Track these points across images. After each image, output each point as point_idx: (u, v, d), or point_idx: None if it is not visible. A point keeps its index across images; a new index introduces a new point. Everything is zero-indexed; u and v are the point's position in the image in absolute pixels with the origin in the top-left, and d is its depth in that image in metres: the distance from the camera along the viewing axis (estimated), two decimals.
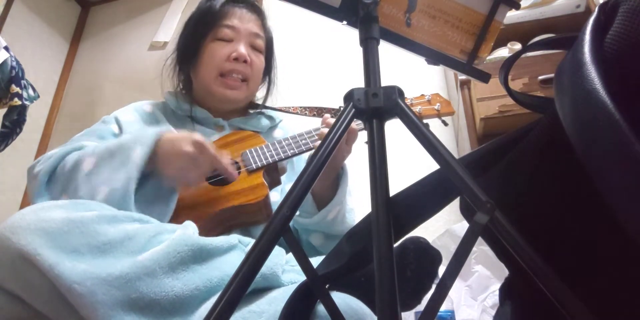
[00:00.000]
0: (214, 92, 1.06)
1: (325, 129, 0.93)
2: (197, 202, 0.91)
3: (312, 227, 0.97)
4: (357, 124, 0.95)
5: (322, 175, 0.94)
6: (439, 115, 1.03)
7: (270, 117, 1.16)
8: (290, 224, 1.00)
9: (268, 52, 1.16)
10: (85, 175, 0.82)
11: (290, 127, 1.19)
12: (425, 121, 1.03)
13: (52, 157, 0.89)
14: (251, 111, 1.17)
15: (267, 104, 1.19)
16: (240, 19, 1.08)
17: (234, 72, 1.05)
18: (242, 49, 1.06)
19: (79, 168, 0.84)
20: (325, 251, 0.98)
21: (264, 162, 0.95)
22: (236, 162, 0.96)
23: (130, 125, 1.02)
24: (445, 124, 1.04)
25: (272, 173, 1.00)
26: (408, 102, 1.05)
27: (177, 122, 1.09)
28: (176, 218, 0.87)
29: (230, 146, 1.00)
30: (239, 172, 0.95)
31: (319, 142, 0.92)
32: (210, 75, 1.05)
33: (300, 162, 1.12)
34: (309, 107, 1.13)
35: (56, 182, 0.86)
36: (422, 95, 1.06)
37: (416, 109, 1.03)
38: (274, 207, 0.96)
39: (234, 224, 0.94)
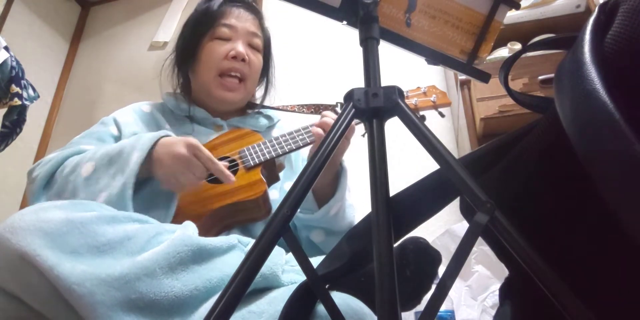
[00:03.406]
0: (212, 93, 1.06)
1: (315, 128, 0.92)
2: (195, 200, 0.91)
3: (314, 224, 0.97)
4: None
5: (322, 172, 0.96)
6: (435, 106, 1.03)
7: (268, 117, 1.17)
8: (292, 221, 1.02)
9: (266, 52, 1.16)
10: (84, 180, 0.83)
11: (288, 126, 1.19)
12: (421, 113, 1.02)
13: (51, 161, 0.89)
14: (249, 111, 1.18)
15: (266, 103, 1.19)
16: (238, 18, 1.09)
17: (233, 70, 1.05)
18: (241, 47, 1.06)
19: (78, 173, 0.84)
20: (326, 248, 0.99)
21: (262, 158, 0.96)
22: (234, 160, 0.97)
23: (129, 127, 1.02)
24: (442, 115, 1.03)
25: (271, 169, 1.00)
26: (404, 94, 1.04)
27: (176, 122, 1.09)
28: (174, 217, 0.87)
29: (228, 144, 1.00)
30: (237, 170, 0.95)
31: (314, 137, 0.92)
32: (209, 75, 1.06)
33: (297, 158, 1.12)
34: (306, 105, 1.13)
35: (53, 185, 0.86)
36: (418, 87, 1.05)
37: (412, 101, 1.02)
38: (273, 204, 0.96)
39: (233, 222, 0.94)
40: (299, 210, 0.96)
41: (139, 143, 0.85)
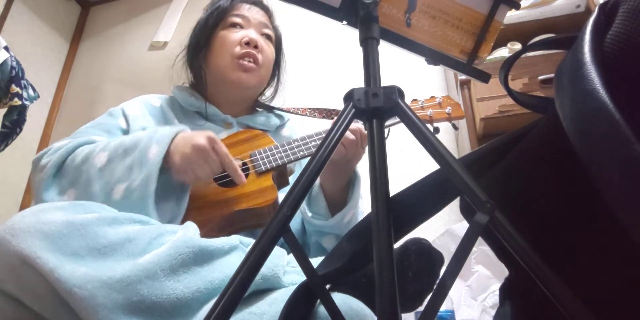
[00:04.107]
0: (229, 76, 1.05)
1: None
2: (206, 204, 0.90)
3: (327, 230, 0.97)
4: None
5: (335, 179, 0.96)
6: (449, 119, 1.01)
7: (279, 116, 1.16)
8: (302, 225, 1.01)
9: (277, 48, 1.17)
10: (99, 170, 0.82)
11: (297, 126, 1.19)
12: (435, 125, 1.00)
13: (61, 149, 0.88)
14: (259, 109, 1.17)
15: (275, 104, 1.19)
16: (250, 11, 1.11)
17: (247, 55, 1.05)
18: (253, 34, 1.07)
19: (91, 162, 0.83)
20: None
21: (274, 164, 0.94)
22: (245, 163, 0.95)
23: (138, 121, 1.01)
24: (456, 127, 1.02)
25: (281, 174, 0.99)
26: (419, 104, 1.03)
27: (185, 117, 1.08)
28: (185, 220, 0.86)
29: (239, 145, 0.99)
30: (248, 174, 0.93)
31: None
32: (224, 60, 1.05)
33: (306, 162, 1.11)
34: (317, 109, 1.12)
35: (65, 175, 0.85)
36: (433, 97, 1.04)
37: (427, 112, 1.01)
38: None
39: (243, 227, 0.93)
40: (310, 215, 0.97)
41: (156, 136, 0.84)
